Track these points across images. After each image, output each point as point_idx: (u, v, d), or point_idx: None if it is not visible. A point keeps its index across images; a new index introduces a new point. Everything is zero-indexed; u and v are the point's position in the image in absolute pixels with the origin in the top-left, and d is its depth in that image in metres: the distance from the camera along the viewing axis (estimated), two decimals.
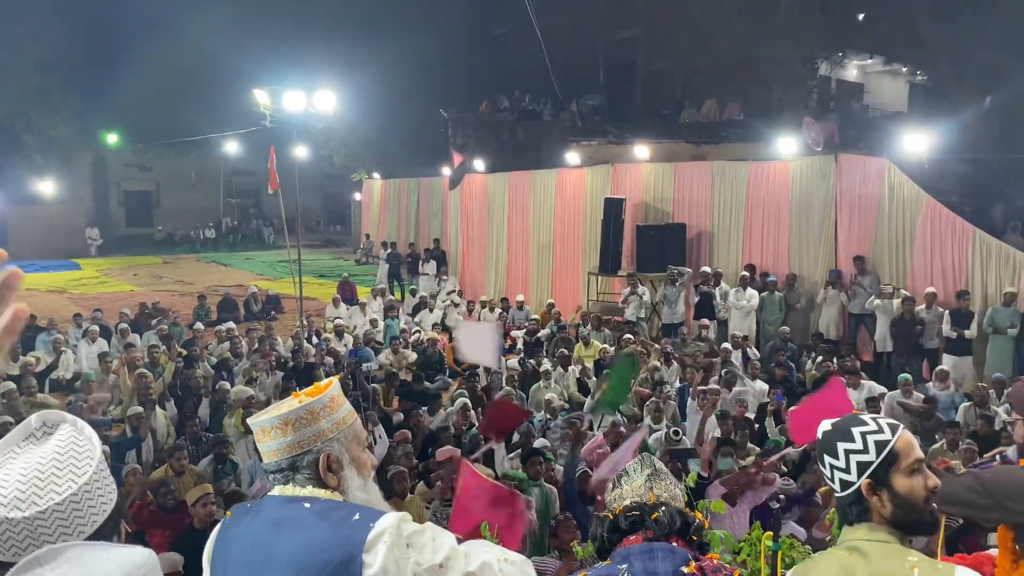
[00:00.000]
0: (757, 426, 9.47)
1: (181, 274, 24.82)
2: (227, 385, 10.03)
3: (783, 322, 12.77)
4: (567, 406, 10.88)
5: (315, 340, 13.10)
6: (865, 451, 1.83)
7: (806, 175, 13.42)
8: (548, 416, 9.83)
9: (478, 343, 7.56)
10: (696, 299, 13.57)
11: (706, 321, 12.93)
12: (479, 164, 19.57)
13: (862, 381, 10.06)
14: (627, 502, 1.88)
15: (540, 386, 11.00)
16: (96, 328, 13.23)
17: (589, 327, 13.55)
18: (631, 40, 25.33)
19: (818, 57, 19.46)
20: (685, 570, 1.65)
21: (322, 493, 1.81)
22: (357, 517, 1.73)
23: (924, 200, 11.87)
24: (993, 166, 14.57)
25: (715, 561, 1.70)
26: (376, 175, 25.90)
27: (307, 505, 1.76)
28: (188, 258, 29.23)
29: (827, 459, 1.87)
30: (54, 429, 1.48)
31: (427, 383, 11.51)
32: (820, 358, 11.21)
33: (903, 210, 12.07)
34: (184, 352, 11.92)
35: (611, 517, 1.86)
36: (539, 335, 13.69)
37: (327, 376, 11.05)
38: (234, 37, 25.24)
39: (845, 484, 1.85)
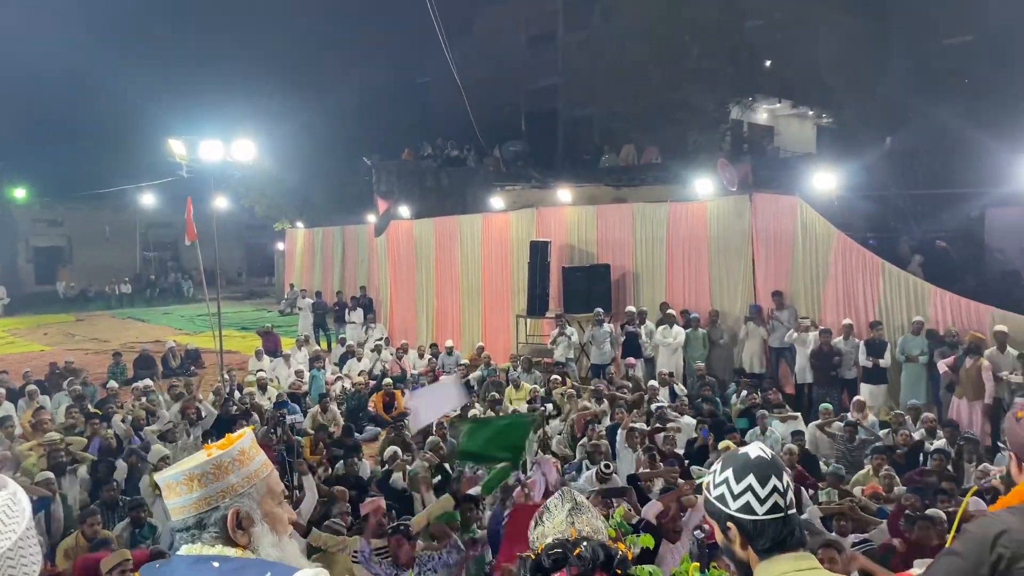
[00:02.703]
0: (687, 462, 9.56)
1: (95, 332, 23.85)
2: (144, 445, 9.59)
3: (707, 358, 13.02)
4: None
5: (237, 394, 12.69)
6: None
7: (723, 214, 13.83)
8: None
9: (440, 399, 7.53)
10: (622, 338, 13.73)
11: (632, 360, 13.09)
12: (404, 210, 19.55)
13: (788, 415, 10.35)
14: (549, 539, 1.84)
15: None
16: (1, 391, 12.51)
17: (520, 369, 13.54)
18: (551, 88, 25.96)
19: (730, 101, 20.26)
20: None
21: (232, 551, 1.73)
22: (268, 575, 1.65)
23: (835, 235, 12.36)
24: (896, 202, 15.32)
25: None
26: (299, 224, 25.56)
27: (216, 564, 1.68)
28: (102, 315, 28.14)
29: (784, 477, 1.86)
30: None
31: (356, 434, 11.25)
32: (745, 392, 11.43)
33: (816, 246, 12.54)
34: (98, 412, 11.37)
35: (533, 557, 1.82)
36: (469, 379, 13.59)
37: (253, 431, 10.77)
38: (148, 87, 24.80)
39: (792, 503, 1.87)
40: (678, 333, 13.22)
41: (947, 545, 2.47)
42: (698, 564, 2.55)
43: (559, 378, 12.82)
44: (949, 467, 7.84)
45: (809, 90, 19.51)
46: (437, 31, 16.20)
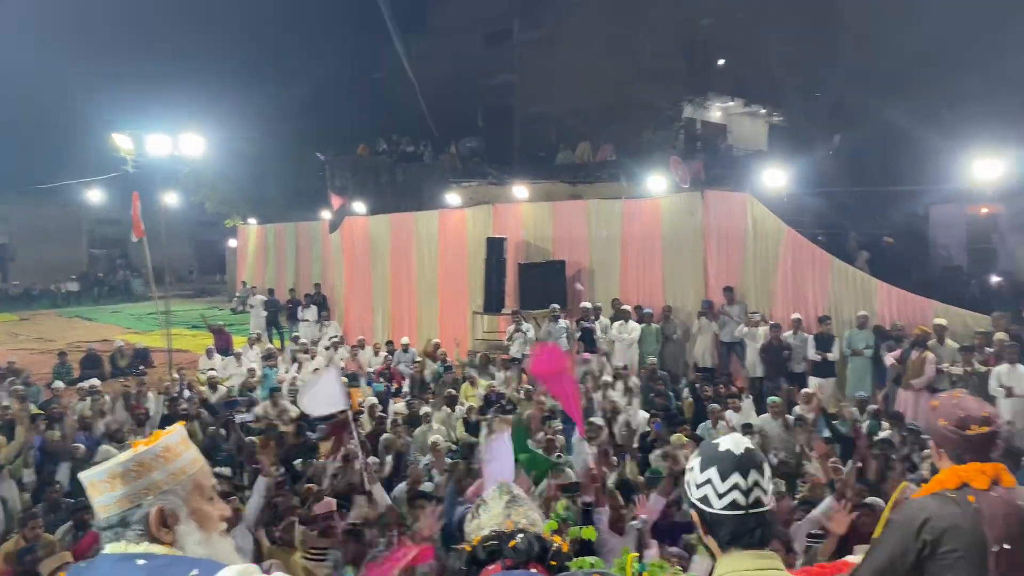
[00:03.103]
0: (640, 455, 9.64)
1: (40, 331, 23.18)
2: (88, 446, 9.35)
3: (660, 353, 13.14)
4: (454, 447, 10.78)
5: (187, 393, 12.46)
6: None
7: (675, 211, 13.98)
8: (434, 459, 9.68)
9: (323, 394, 7.41)
10: (578, 334, 13.78)
11: (587, 355, 13.15)
12: (359, 207, 19.37)
13: (741, 404, 10.50)
14: (486, 532, 1.83)
15: (423, 429, 10.82)
16: None
17: (476, 366, 13.52)
18: (508, 85, 25.97)
19: (683, 100, 20.50)
20: None
21: (158, 549, 1.70)
22: (195, 573, 1.63)
23: (785, 232, 12.58)
24: (844, 199, 15.65)
25: None
26: (252, 220, 25.16)
27: (140, 562, 1.66)
28: (48, 313, 27.36)
29: (766, 468, 1.84)
30: None
31: (309, 433, 11.11)
32: (697, 386, 11.57)
33: (766, 242, 12.74)
34: (42, 413, 11.06)
35: (469, 549, 1.81)
36: (424, 374, 13.55)
37: (203, 431, 10.46)
38: (93, 80, 24.16)
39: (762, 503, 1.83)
40: (633, 328, 13.32)
41: (875, 535, 2.53)
42: (637, 555, 2.56)
43: (514, 375, 12.83)
44: (893, 456, 8.02)
45: (761, 89, 19.84)
46: (389, 26, 16.08)
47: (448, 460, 9.34)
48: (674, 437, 9.57)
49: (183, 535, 1.74)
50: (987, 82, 15.08)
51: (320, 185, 23.06)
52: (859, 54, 16.18)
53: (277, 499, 7.20)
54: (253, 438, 9.83)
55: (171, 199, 25.11)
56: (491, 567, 1.76)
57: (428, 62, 23.91)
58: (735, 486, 1.80)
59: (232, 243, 27.15)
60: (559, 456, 7.84)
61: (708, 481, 1.83)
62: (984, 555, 2.34)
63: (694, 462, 1.88)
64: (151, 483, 1.73)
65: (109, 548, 1.71)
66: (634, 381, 12.47)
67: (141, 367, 16.06)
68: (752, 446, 1.85)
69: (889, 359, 10.76)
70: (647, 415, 10.59)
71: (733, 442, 1.85)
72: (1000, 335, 10.04)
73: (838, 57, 16.48)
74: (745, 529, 1.81)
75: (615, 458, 8.88)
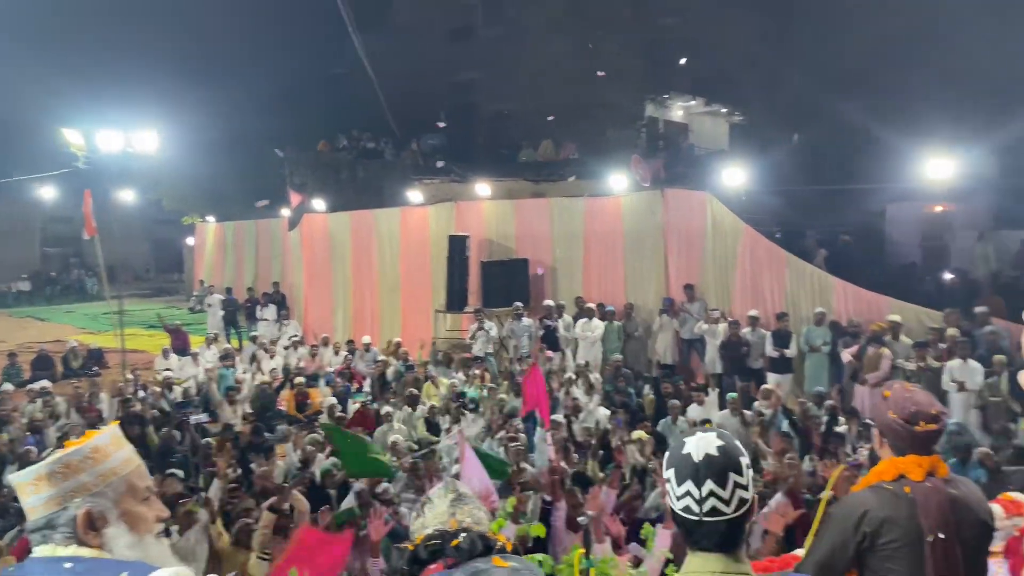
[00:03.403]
0: (601, 452, 9.66)
1: None
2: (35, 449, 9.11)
3: (622, 350, 13.19)
4: (415, 447, 10.70)
5: (141, 394, 12.20)
6: (750, 466, 1.79)
7: (637, 210, 14.05)
8: (394, 458, 9.60)
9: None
10: (541, 332, 13.79)
11: (550, 353, 13.16)
12: (319, 204, 19.15)
13: (706, 399, 10.61)
14: (429, 531, 1.79)
15: (383, 429, 10.73)
16: None
17: (438, 365, 13.46)
18: (471, 82, 25.90)
19: (645, 98, 20.63)
20: None
21: (86, 552, 1.67)
22: (124, 575, 1.60)
23: (743, 230, 12.71)
24: (802, 197, 15.87)
25: None
26: (210, 218, 24.76)
27: (68, 565, 1.62)
28: None
29: (732, 477, 1.74)
30: None
31: (267, 434, 10.95)
32: (658, 382, 11.64)
33: (725, 240, 12.87)
34: None
35: (411, 548, 1.77)
36: (385, 374, 13.45)
37: (157, 432, 10.27)
38: (42, 74, 23.54)
39: (742, 502, 1.75)
40: (597, 326, 13.35)
41: (814, 529, 2.55)
42: (584, 550, 2.54)
43: (478, 373, 12.78)
44: (847, 451, 8.14)
45: (722, 88, 20.04)
46: (346, 22, 15.92)
47: (409, 460, 9.28)
48: (635, 434, 9.62)
49: (112, 538, 1.70)
50: (941, 82, 15.41)
51: (280, 182, 22.78)
52: (817, 54, 16.44)
53: (232, 501, 7.06)
54: (209, 439, 9.66)
55: (127, 196, 24.67)
56: (432, 566, 1.72)
57: (390, 58, 23.70)
58: (688, 493, 1.75)
59: (190, 241, 26.71)
60: (515, 464, 7.79)
61: (669, 480, 1.81)
62: (921, 545, 2.38)
63: (665, 457, 1.85)
64: (79, 485, 1.70)
65: (38, 551, 1.68)
66: (596, 378, 12.52)
67: (95, 368, 15.70)
68: (718, 451, 1.75)
69: (846, 355, 10.92)
70: (608, 412, 10.62)
71: (696, 445, 1.78)
72: (952, 331, 10.25)
73: (796, 57, 16.73)
74: (703, 534, 1.76)
75: (576, 455, 8.90)
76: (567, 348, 13.67)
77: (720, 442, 1.77)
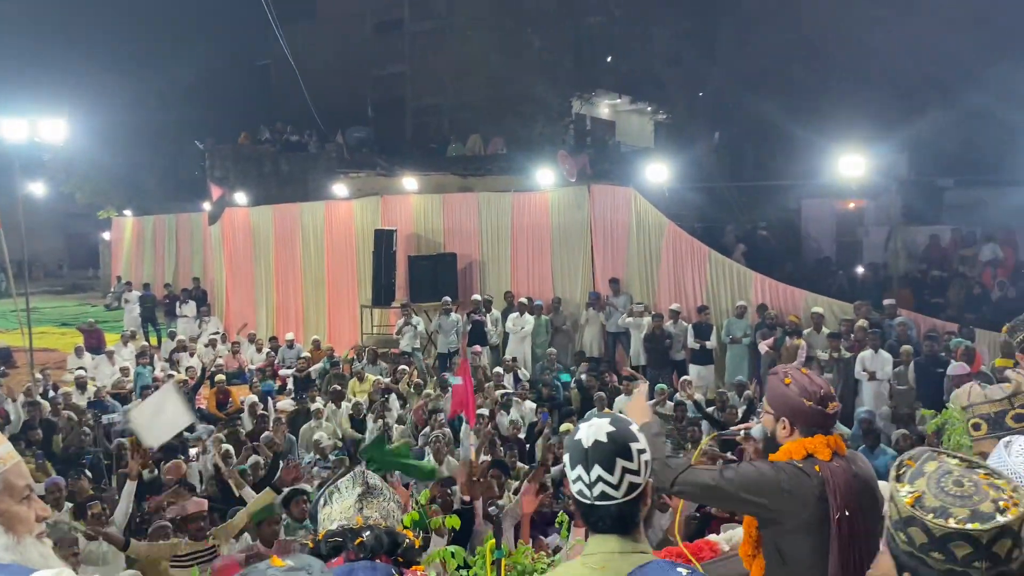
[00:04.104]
0: (528, 445, 9.73)
1: None
2: None
3: (550, 344, 13.29)
4: (340, 444, 10.56)
5: (51, 394, 11.69)
6: (644, 451, 1.81)
7: (563, 205, 14.17)
8: (318, 457, 9.48)
9: (164, 418, 6.66)
10: (468, 327, 13.77)
11: (478, 348, 13.15)
12: (241, 197, 18.67)
13: (633, 388, 10.71)
14: (334, 526, 1.76)
15: (311, 426, 10.56)
16: None
17: (364, 361, 13.31)
18: (399, 76, 25.65)
19: (572, 95, 20.77)
20: None
21: None
22: None
23: (666, 225, 12.98)
24: (722, 193, 16.25)
25: (418, 573, 1.62)
26: (127, 212, 23.87)
27: None
28: None
29: (619, 462, 1.76)
30: None
31: (186, 432, 10.64)
32: (584, 376, 11.76)
33: (649, 235, 13.11)
34: None
35: (311, 545, 1.73)
36: (311, 371, 13.23)
37: (66, 434, 9.85)
38: None
39: (632, 487, 1.77)
40: (527, 321, 13.41)
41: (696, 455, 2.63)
42: (494, 541, 2.55)
43: (406, 368, 12.70)
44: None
45: (645, 86, 20.31)
46: (268, 13, 15.57)
47: (333, 457, 9.18)
48: (563, 427, 9.71)
49: None
50: (854, 83, 15.97)
51: (201, 175, 22.13)
52: (737, 54, 16.83)
53: (145, 503, 6.84)
54: (123, 440, 9.33)
55: (36, 189, 23.60)
56: (335, 560, 1.69)
57: (316, 50, 23.30)
58: (579, 477, 1.79)
59: (106, 236, 25.66)
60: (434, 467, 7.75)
61: (566, 464, 1.84)
62: (827, 523, 2.45)
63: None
64: None
65: None
66: (523, 373, 12.61)
67: (2, 368, 14.97)
68: (607, 438, 1.77)
69: (763, 347, 11.24)
70: (534, 405, 10.70)
71: (586, 431, 1.80)
72: (861, 322, 10.66)
73: (718, 57, 17.09)
74: (597, 517, 1.80)
75: (501, 448, 8.92)
76: (495, 342, 13.71)
77: (611, 428, 1.79)
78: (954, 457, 1.49)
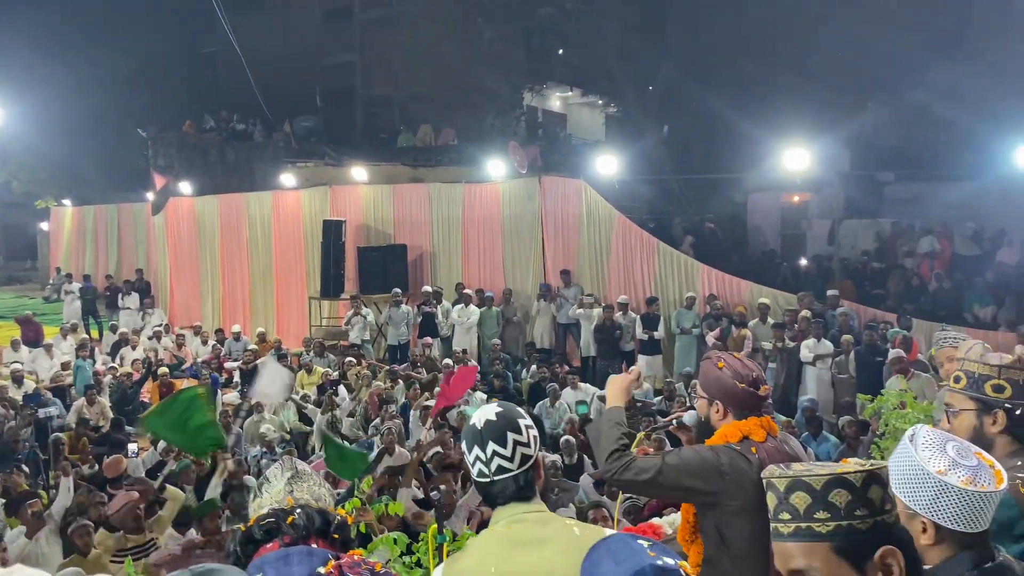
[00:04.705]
0: None
1: None
2: None
3: (501, 335, 13.29)
4: (288, 437, 10.43)
5: None
6: (532, 428, 2.00)
7: (515, 196, 14.17)
8: (265, 450, 9.34)
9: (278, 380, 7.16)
10: (419, 318, 13.70)
11: (429, 339, 13.11)
12: (186, 187, 18.25)
13: (580, 384, 10.82)
14: (265, 510, 1.73)
15: (256, 419, 10.40)
16: None
17: (312, 354, 13.15)
18: (348, 65, 25.35)
19: (523, 87, 20.79)
20: (322, 570, 1.53)
21: None
22: None
23: (616, 217, 13.07)
24: (671, 186, 16.45)
25: (355, 557, 1.60)
26: (67, 202, 23.17)
27: None
28: None
29: (510, 436, 1.93)
30: None
31: (128, 428, 10.40)
32: (535, 367, 11.81)
33: (599, 227, 13.19)
34: None
35: (243, 529, 1.69)
36: (257, 364, 13.00)
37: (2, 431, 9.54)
38: None
39: (525, 458, 1.95)
40: (473, 312, 13.39)
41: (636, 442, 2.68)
42: (436, 526, 2.55)
43: (354, 360, 12.58)
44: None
45: (597, 79, 20.44)
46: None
47: (280, 451, 9.05)
48: None
49: None
50: (799, 78, 16.29)
51: (144, 164, 21.57)
52: (686, 48, 17.03)
53: (82, 499, 6.65)
54: (60, 435, 9.08)
55: None
56: (269, 545, 1.66)
57: (263, 37, 22.89)
58: (477, 458, 1.96)
59: (44, 226, 24.87)
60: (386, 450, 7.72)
61: (465, 452, 2.02)
62: (763, 503, 2.49)
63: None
64: None
65: None
66: (473, 364, 12.58)
67: None
68: (496, 416, 1.96)
69: (711, 338, 11.41)
70: (484, 396, 10.69)
71: (479, 416, 1.99)
72: (804, 312, 10.89)
73: (667, 51, 17.27)
74: (497, 492, 1.96)
75: (451, 439, 8.89)
76: (446, 334, 13.67)
77: (499, 409, 1.99)
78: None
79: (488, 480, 1.96)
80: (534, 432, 1.99)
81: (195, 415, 5.58)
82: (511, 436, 1.94)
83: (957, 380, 2.46)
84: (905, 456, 1.74)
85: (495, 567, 1.87)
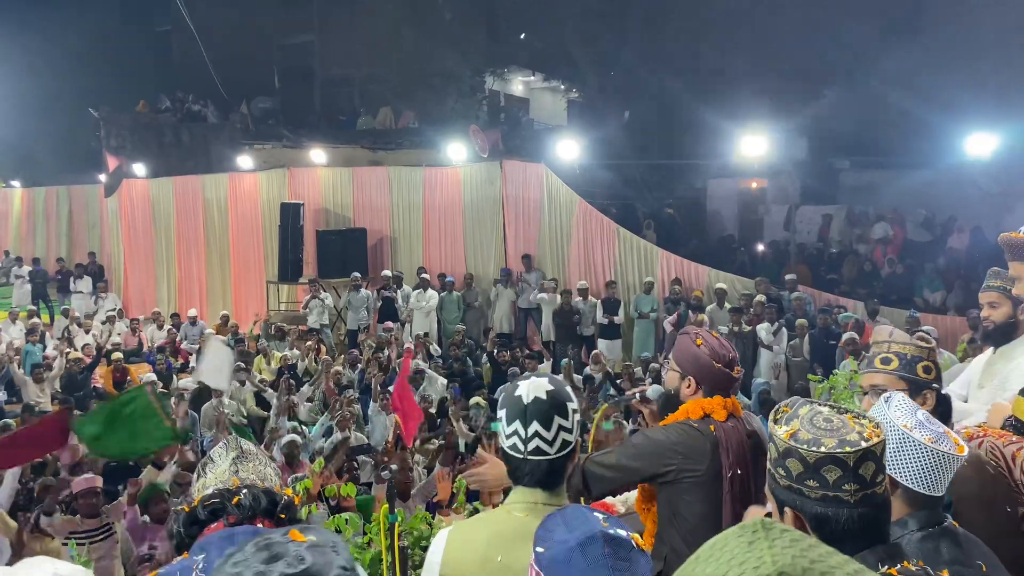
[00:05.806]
0: (439, 420, 9.71)
1: None
2: None
3: (461, 320, 13.28)
4: (245, 422, 10.31)
5: None
6: (578, 412, 1.92)
7: (476, 180, 14.13)
8: (220, 435, 9.21)
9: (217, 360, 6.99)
10: (379, 303, 13.62)
11: (389, 324, 13.04)
12: (140, 168, 17.85)
13: (539, 367, 10.86)
14: (210, 491, 1.71)
15: (213, 404, 10.25)
16: None
17: (271, 338, 13.00)
18: (307, 46, 24.91)
19: (485, 71, 20.67)
20: None
21: None
22: None
23: (577, 202, 13.11)
24: (631, 172, 16.53)
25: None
26: (15, 183, 22.55)
27: None
28: None
29: (556, 419, 1.85)
30: None
31: (78, 412, 10.18)
32: (495, 351, 11.81)
33: (560, 212, 13.22)
34: None
35: (187, 510, 1.68)
36: None
37: None
38: None
39: (565, 444, 1.87)
40: (431, 297, 13.35)
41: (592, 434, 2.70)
42: (388, 505, 2.55)
43: (313, 345, 12.47)
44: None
45: (559, 63, 20.39)
46: None
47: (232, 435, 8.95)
48: (473, 400, 9.75)
49: None
50: (757, 65, 16.45)
51: (97, 145, 21.04)
52: (647, 34, 17.07)
53: (32, 483, 6.53)
54: (8, 420, 8.87)
55: None
56: (213, 525, 1.64)
57: (219, 16, 22.35)
58: (515, 432, 1.87)
59: None
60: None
61: (501, 419, 1.91)
62: (719, 480, 2.54)
63: (500, 398, 1.96)
64: None
65: None
66: (435, 348, 12.55)
67: None
68: (546, 395, 1.86)
69: (667, 323, 11.52)
70: (445, 381, 10.69)
71: (527, 388, 1.88)
72: (760, 297, 11.05)
73: (628, 36, 17.29)
74: (527, 471, 1.88)
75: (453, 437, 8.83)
76: (406, 319, 13.61)
77: (550, 387, 1.88)
78: (824, 405, 1.64)
79: (520, 457, 1.88)
80: (579, 417, 1.91)
81: (140, 416, 5.33)
82: (557, 420, 1.86)
83: (887, 362, 2.51)
84: (876, 413, 1.81)
85: (503, 556, 1.82)
